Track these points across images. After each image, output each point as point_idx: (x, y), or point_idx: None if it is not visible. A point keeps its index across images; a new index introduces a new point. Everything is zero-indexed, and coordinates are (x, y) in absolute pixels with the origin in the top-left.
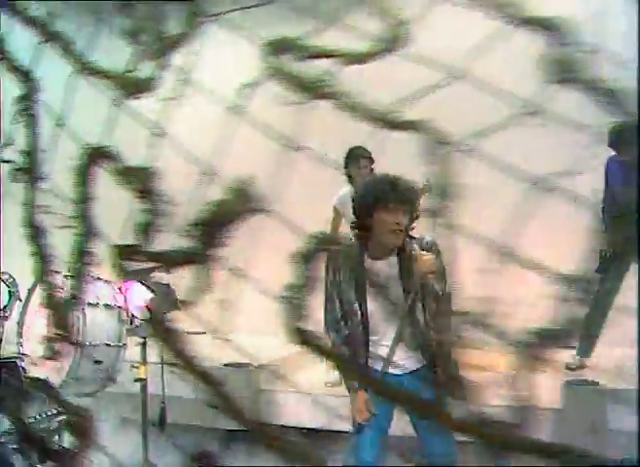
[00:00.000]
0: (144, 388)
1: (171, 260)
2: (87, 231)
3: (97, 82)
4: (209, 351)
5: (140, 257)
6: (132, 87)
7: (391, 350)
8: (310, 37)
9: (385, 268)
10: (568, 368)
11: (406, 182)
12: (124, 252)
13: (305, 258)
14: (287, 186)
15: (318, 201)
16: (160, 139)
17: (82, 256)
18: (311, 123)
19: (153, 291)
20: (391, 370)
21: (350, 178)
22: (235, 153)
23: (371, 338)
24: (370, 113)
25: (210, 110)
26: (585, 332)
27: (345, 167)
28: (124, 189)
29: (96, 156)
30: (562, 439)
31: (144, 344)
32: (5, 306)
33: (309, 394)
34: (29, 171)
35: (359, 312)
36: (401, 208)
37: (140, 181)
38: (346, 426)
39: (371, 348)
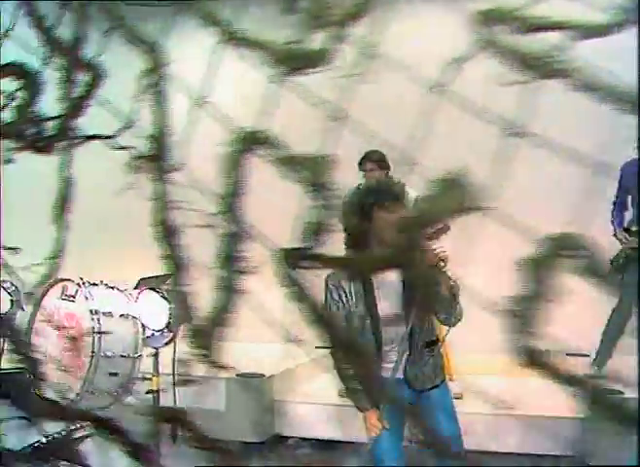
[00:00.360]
0: (156, 400)
1: (362, 265)
2: (237, 231)
3: (250, 54)
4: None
5: (312, 262)
6: (299, 60)
7: (399, 358)
8: (528, 7)
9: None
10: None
11: (393, 181)
12: (292, 256)
13: (541, 264)
14: (508, 179)
15: (548, 197)
16: (339, 122)
17: (230, 262)
18: (537, 104)
19: (169, 300)
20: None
21: None
22: (438, 139)
23: (384, 348)
24: (615, 94)
25: (404, 88)
26: (602, 341)
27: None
28: (290, 181)
29: (252, 142)
30: (589, 447)
31: (156, 355)
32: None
33: (322, 404)
34: (157, 159)
35: (371, 325)
36: (398, 206)
37: (311, 172)
38: (359, 437)
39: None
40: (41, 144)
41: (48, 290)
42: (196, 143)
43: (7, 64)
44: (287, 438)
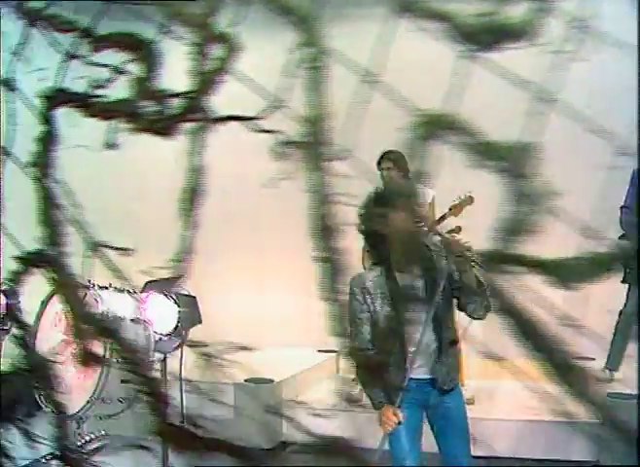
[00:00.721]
0: None
1: (578, 270)
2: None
3: (432, 28)
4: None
5: (516, 265)
6: (495, 34)
7: (414, 357)
8: None
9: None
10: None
11: (404, 183)
12: (497, 259)
13: None
14: None
15: None
16: (546, 105)
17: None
18: None
19: (178, 304)
20: (414, 375)
21: None
22: None
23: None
24: None
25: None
26: (613, 344)
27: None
28: (486, 172)
29: (438, 126)
30: (603, 451)
31: (164, 361)
32: (2, 318)
33: (330, 410)
34: (314, 146)
35: (398, 326)
36: (412, 207)
37: (512, 162)
38: (365, 443)
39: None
40: (161, 125)
41: (53, 293)
42: (367, 128)
43: (114, 34)
44: (294, 444)
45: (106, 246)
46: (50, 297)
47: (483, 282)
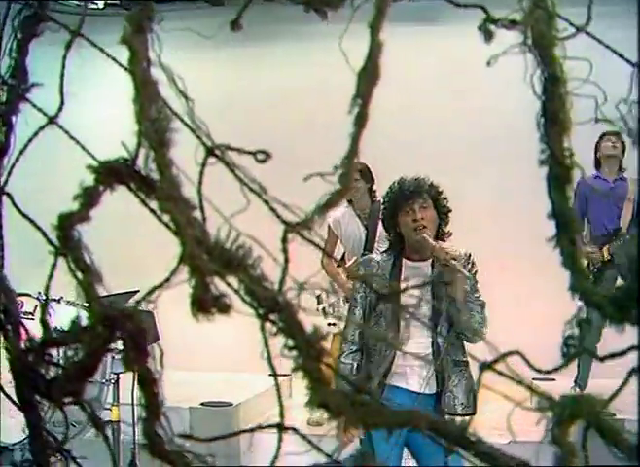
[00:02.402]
0: (115, 432)
1: None
2: None
3: None
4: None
5: None
6: None
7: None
8: None
9: (420, 270)
10: None
11: (416, 179)
12: None
13: None
14: None
15: None
16: None
17: None
18: None
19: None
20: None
21: None
22: None
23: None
24: None
25: None
26: (581, 359)
27: None
28: None
29: None
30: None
31: (117, 382)
32: None
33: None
34: None
35: (388, 311)
36: (415, 204)
37: None
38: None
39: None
40: None
41: None
42: None
43: None
44: None
45: None
46: None
47: (471, 297)
